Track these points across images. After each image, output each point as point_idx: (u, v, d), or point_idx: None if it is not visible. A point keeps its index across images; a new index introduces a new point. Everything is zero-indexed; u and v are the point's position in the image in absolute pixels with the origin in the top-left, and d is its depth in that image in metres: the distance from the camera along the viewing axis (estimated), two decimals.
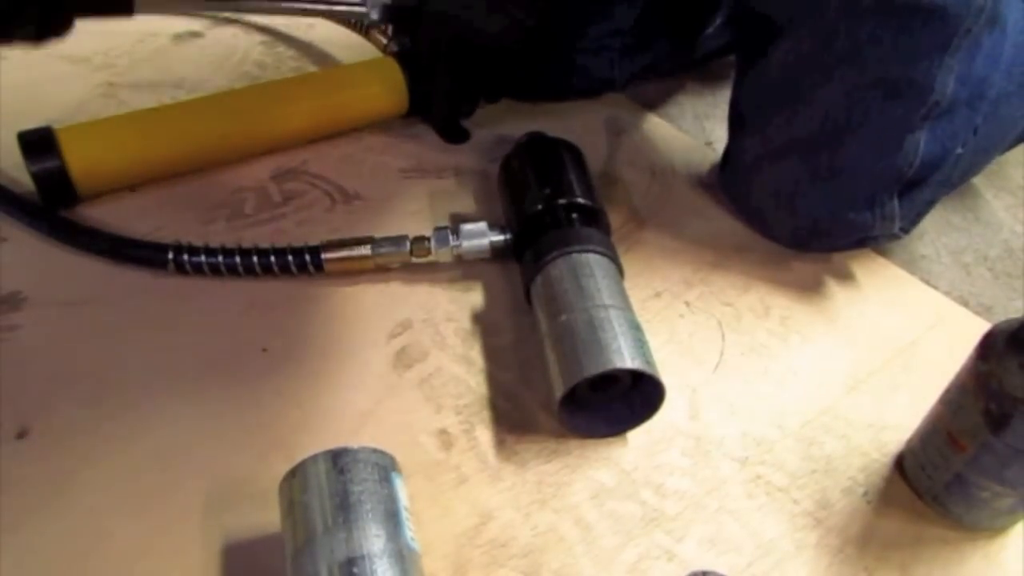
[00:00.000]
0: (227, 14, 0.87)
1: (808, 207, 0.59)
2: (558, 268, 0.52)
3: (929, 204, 0.61)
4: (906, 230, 0.59)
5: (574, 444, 0.49)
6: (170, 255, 0.56)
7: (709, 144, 0.75)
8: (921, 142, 0.55)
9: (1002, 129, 0.65)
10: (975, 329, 0.44)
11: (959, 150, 0.58)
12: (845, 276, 0.62)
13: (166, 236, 0.58)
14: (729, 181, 0.66)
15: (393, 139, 0.72)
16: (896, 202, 0.57)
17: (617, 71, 0.73)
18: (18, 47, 0.50)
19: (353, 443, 0.41)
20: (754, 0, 0.59)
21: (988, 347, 0.42)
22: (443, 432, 0.49)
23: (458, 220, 0.60)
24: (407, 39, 0.72)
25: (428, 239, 0.58)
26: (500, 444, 0.49)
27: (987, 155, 0.68)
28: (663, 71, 0.80)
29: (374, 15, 0.68)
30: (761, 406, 0.52)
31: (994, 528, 0.46)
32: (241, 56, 0.81)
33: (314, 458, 0.40)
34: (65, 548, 0.43)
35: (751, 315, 0.58)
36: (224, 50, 0.82)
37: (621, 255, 0.56)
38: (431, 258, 0.58)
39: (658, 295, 0.59)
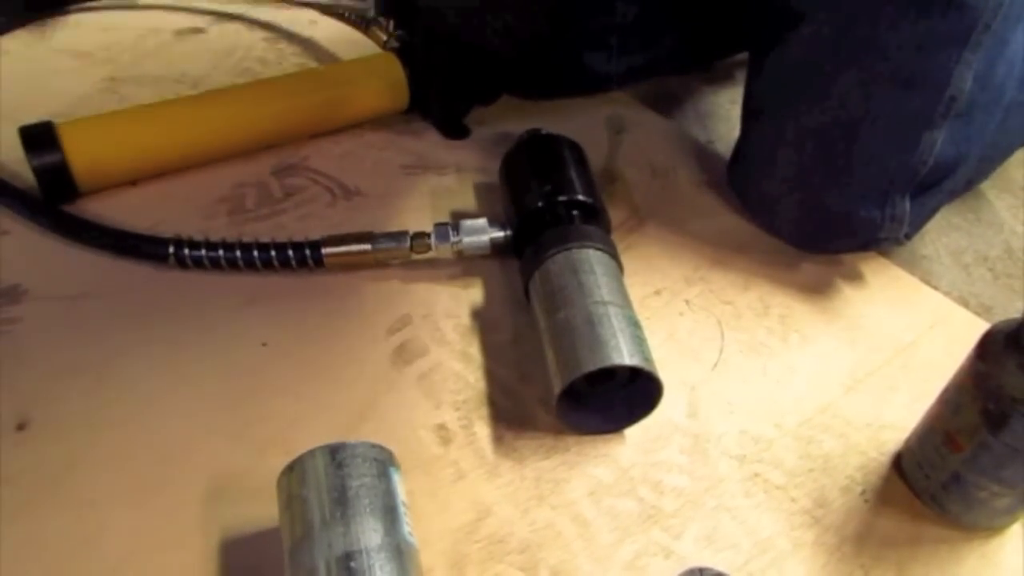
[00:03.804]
0: (230, 10, 0.87)
1: (820, 202, 0.59)
2: (558, 264, 0.52)
3: (933, 212, 0.61)
4: (909, 236, 0.59)
5: (572, 441, 0.49)
6: (170, 249, 0.56)
7: (710, 142, 0.75)
8: (938, 141, 0.55)
9: (1009, 139, 0.65)
10: (975, 329, 0.44)
11: (972, 160, 0.57)
12: (845, 275, 0.62)
13: (166, 230, 0.59)
14: (739, 175, 0.66)
15: (394, 135, 0.72)
16: (907, 203, 0.57)
17: (614, 66, 0.73)
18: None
19: (352, 438, 0.41)
20: None
21: (987, 347, 0.42)
22: (442, 428, 0.49)
23: (458, 216, 0.60)
24: (406, 32, 0.72)
25: (428, 235, 0.58)
26: (498, 440, 0.49)
27: (992, 164, 0.68)
28: (664, 71, 0.79)
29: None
30: (760, 404, 0.52)
31: (991, 528, 0.46)
32: (243, 52, 0.81)
33: (312, 452, 0.40)
34: (64, 540, 0.43)
35: (751, 313, 0.58)
36: (226, 46, 0.82)
37: (621, 252, 0.56)
38: (431, 254, 0.58)
39: (658, 293, 0.59)
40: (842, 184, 0.58)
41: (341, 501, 0.38)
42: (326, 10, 0.83)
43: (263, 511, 0.43)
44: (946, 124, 0.54)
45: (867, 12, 0.53)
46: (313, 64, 0.80)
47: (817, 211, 0.59)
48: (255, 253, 0.56)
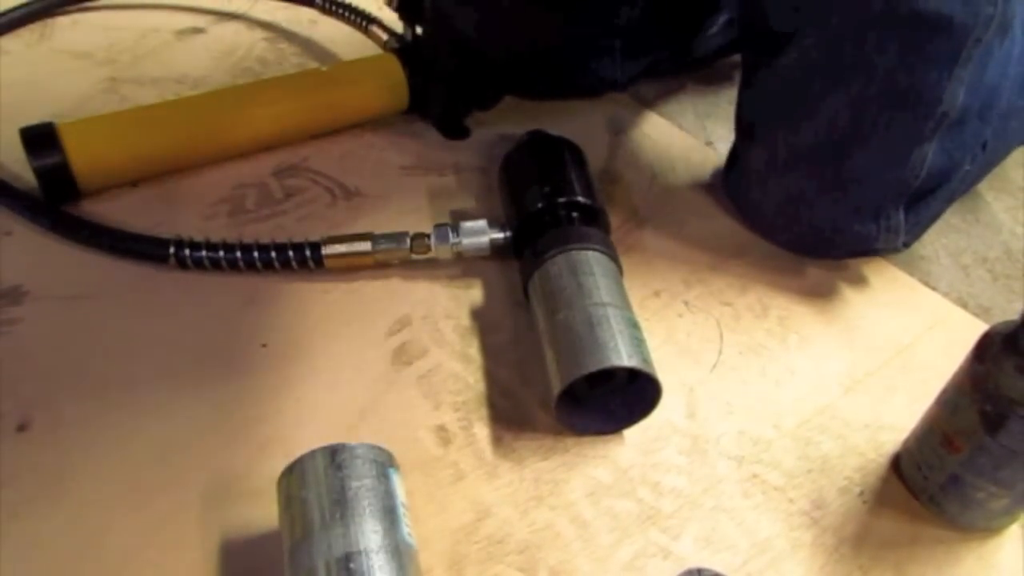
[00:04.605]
0: (231, 10, 0.87)
1: (813, 217, 0.59)
2: (557, 265, 0.52)
3: (933, 218, 0.61)
4: (908, 244, 0.59)
5: (571, 441, 0.49)
6: (171, 250, 0.56)
7: (710, 144, 0.75)
8: (928, 154, 0.55)
9: (1008, 143, 0.65)
10: (973, 330, 0.44)
11: (967, 166, 0.57)
12: (844, 277, 0.62)
13: (167, 231, 0.59)
14: (735, 187, 0.66)
15: (394, 136, 0.72)
16: (902, 215, 0.57)
17: (619, 72, 0.73)
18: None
19: (351, 439, 0.41)
20: (761, 9, 0.59)
21: (985, 348, 0.42)
22: (441, 428, 0.50)
23: (458, 217, 0.60)
24: (411, 31, 0.72)
25: (428, 236, 0.58)
26: (498, 441, 0.49)
27: (991, 167, 0.68)
28: (665, 71, 0.80)
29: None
30: (758, 405, 0.52)
31: (989, 529, 0.46)
32: (243, 52, 0.81)
33: (312, 454, 0.40)
34: (64, 541, 0.43)
35: (749, 315, 0.58)
36: (226, 46, 0.82)
37: (621, 254, 0.56)
38: (431, 255, 0.58)
39: (657, 294, 0.59)
40: (835, 200, 0.58)
41: (341, 502, 0.38)
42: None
43: (263, 512, 0.43)
44: (937, 136, 0.54)
45: (853, 34, 0.53)
46: (313, 64, 0.80)
47: (812, 225, 0.60)
48: (255, 254, 0.57)
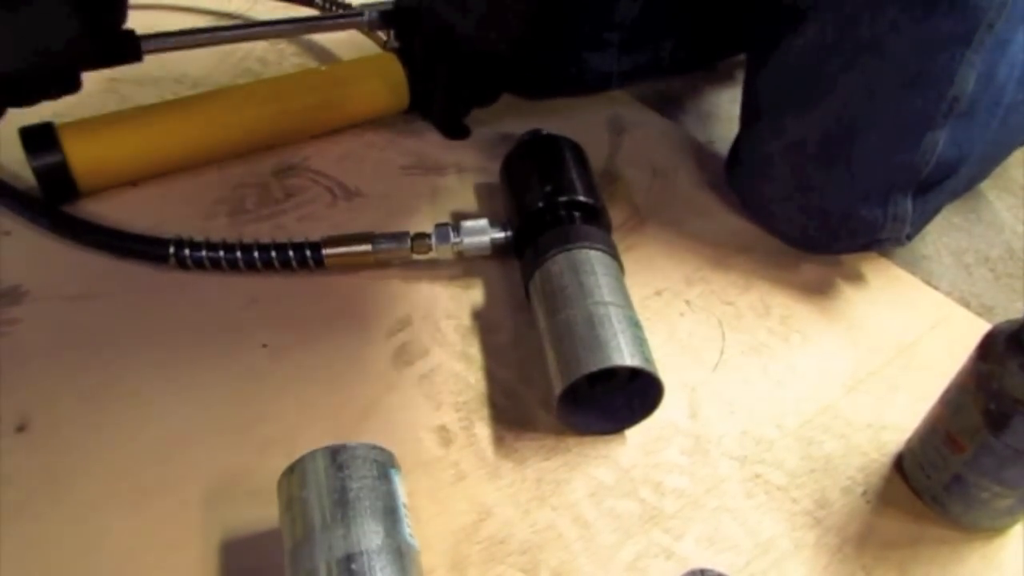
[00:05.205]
0: (231, 10, 0.87)
1: (820, 201, 0.59)
2: (558, 265, 0.52)
3: (935, 212, 0.60)
4: (911, 236, 0.59)
5: (573, 442, 0.49)
6: (171, 250, 0.56)
7: (711, 143, 0.75)
8: (940, 142, 0.55)
9: (1010, 138, 0.65)
10: (976, 330, 0.44)
11: (973, 160, 0.57)
12: (846, 276, 0.62)
13: (167, 231, 0.58)
14: (738, 177, 0.66)
15: (395, 136, 0.72)
16: (909, 203, 0.57)
17: (615, 66, 0.73)
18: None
19: (352, 439, 0.41)
20: None
21: (988, 347, 0.42)
22: (442, 429, 0.49)
23: (459, 217, 0.60)
24: (407, 39, 0.72)
25: (429, 236, 0.58)
26: (499, 441, 0.49)
27: (993, 163, 0.68)
28: (665, 70, 0.79)
29: (374, 18, 0.68)
30: (760, 405, 0.52)
31: (993, 528, 0.46)
32: (243, 52, 0.81)
33: (313, 454, 0.40)
34: (64, 541, 0.43)
35: (751, 314, 0.58)
36: (227, 46, 0.81)
37: (622, 253, 0.56)
38: (432, 255, 0.58)
39: (659, 293, 0.59)
40: (843, 184, 0.57)
41: (342, 503, 0.38)
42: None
43: (264, 513, 0.43)
44: (948, 124, 0.54)
45: (869, 13, 0.53)
46: (313, 64, 0.80)
47: (818, 212, 0.59)
48: (255, 254, 0.56)
